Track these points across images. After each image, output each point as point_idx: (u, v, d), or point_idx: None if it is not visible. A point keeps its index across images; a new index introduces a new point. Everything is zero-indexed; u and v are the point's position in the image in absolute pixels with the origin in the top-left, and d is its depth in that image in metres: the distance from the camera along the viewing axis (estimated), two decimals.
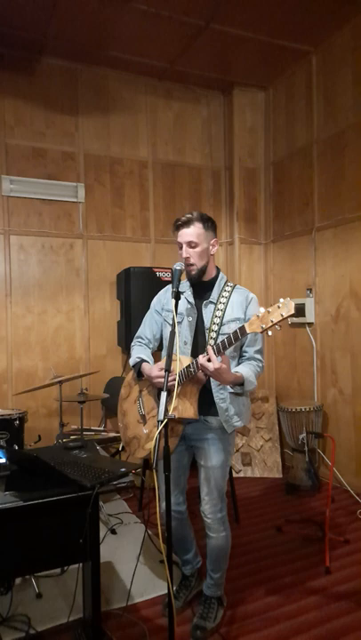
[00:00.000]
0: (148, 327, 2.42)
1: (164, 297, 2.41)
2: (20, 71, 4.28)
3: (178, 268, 2.11)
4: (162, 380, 2.08)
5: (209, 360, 1.93)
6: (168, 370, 1.90)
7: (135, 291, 4.11)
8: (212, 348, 1.95)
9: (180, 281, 2.11)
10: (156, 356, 2.41)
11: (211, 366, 1.92)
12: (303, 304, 4.32)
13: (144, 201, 4.77)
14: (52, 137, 4.40)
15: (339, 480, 3.98)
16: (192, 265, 2.19)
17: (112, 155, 4.63)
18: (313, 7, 3.65)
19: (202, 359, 1.95)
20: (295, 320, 4.44)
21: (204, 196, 5.03)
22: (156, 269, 4.27)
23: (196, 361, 2.03)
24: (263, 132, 4.97)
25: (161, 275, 4.21)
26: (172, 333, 1.99)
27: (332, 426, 4.14)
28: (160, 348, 2.44)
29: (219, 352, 1.96)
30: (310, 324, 4.34)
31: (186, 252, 2.16)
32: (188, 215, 2.18)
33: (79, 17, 3.74)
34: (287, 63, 4.47)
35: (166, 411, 1.78)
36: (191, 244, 2.16)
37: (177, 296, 2.05)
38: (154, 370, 2.17)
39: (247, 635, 2.24)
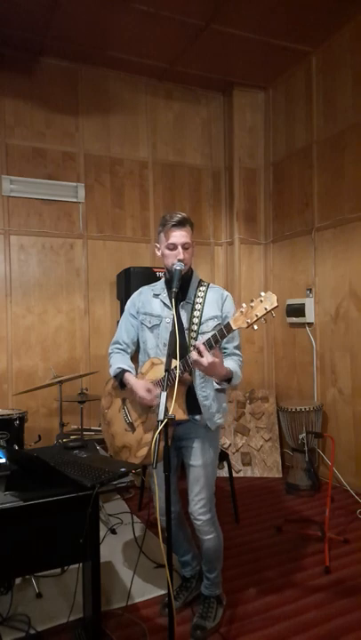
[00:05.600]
0: (125, 332, 2.39)
1: (138, 300, 2.39)
2: (20, 71, 4.28)
3: (178, 268, 2.11)
4: (148, 400, 2.10)
5: (201, 355, 1.92)
6: (168, 370, 1.90)
7: (135, 291, 4.10)
8: (204, 344, 1.94)
9: (180, 281, 2.10)
10: (134, 360, 2.41)
11: (204, 361, 1.92)
12: (303, 304, 4.32)
13: (144, 201, 4.77)
14: (52, 137, 4.40)
15: (338, 480, 3.98)
16: (185, 266, 2.19)
17: (112, 155, 4.64)
18: (313, 7, 3.66)
19: (194, 355, 1.95)
20: (295, 320, 4.44)
21: (204, 197, 5.04)
22: (156, 269, 4.26)
23: (183, 361, 2.03)
24: (263, 132, 4.97)
25: (161, 274, 4.19)
26: (173, 334, 1.98)
27: (331, 426, 4.15)
28: (137, 351, 2.43)
29: (210, 347, 1.96)
30: (310, 324, 4.35)
31: (182, 253, 2.16)
32: (179, 216, 2.16)
33: (79, 17, 3.74)
34: (287, 63, 4.48)
35: (166, 410, 1.78)
36: (185, 246, 2.17)
37: (177, 296, 2.04)
38: (140, 388, 2.14)
39: (247, 634, 2.24)
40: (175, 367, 2.05)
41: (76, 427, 4.03)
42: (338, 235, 4.06)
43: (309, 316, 4.31)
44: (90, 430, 4.10)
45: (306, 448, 3.96)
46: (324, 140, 4.21)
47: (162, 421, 1.75)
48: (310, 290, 4.36)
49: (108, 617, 2.32)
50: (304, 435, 3.95)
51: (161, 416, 1.77)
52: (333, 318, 4.11)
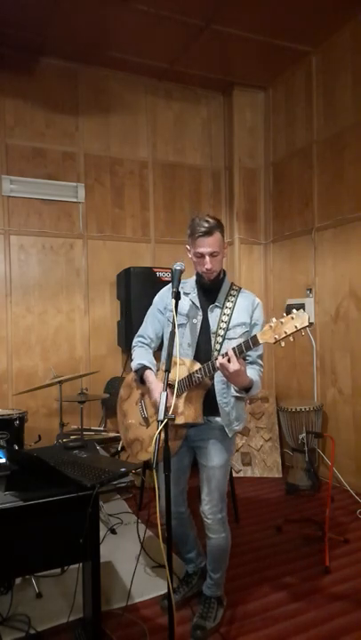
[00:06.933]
0: (151, 326, 2.40)
1: (166, 296, 2.38)
2: (20, 71, 4.28)
3: (178, 268, 2.10)
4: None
5: (229, 361, 1.93)
6: (168, 370, 1.90)
7: (135, 291, 4.11)
8: (234, 350, 1.95)
9: (180, 281, 2.10)
10: (157, 355, 2.42)
11: (231, 367, 1.92)
12: (303, 304, 4.32)
13: (144, 201, 4.77)
14: (52, 137, 4.40)
15: (338, 480, 3.98)
16: (213, 272, 2.20)
17: (112, 155, 4.64)
18: (313, 7, 3.65)
19: (222, 359, 1.95)
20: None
21: (204, 197, 5.04)
22: (156, 269, 4.27)
23: (207, 366, 2.05)
24: (263, 132, 4.97)
25: (161, 275, 4.22)
26: (172, 334, 1.99)
27: (331, 426, 4.15)
28: (161, 347, 2.44)
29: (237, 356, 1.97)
30: (310, 325, 4.34)
31: (210, 262, 2.15)
32: (206, 224, 2.12)
33: (79, 17, 3.74)
34: (287, 63, 4.48)
35: (166, 411, 1.79)
36: (213, 254, 2.15)
37: (177, 296, 2.04)
38: (157, 391, 2.14)
39: (247, 634, 2.24)
40: (196, 371, 2.06)
41: (75, 427, 4.03)
42: (338, 235, 4.06)
43: (309, 315, 4.30)
44: (90, 430, 4.10)
45: (306, 448, 3.96)
46: (324, 140, 4.21)
47: (162, 421, 1.76)
48: (310, 290, 4.36)
49: (108, 617, 2.32)
50: (304, 435, 3.95)
51: (161, 416, 1.77)
52: (333, 318, 4.11)
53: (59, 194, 4.40)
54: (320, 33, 4.02)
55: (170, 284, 2.39)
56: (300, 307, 4.32)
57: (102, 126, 4.59)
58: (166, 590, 2.34)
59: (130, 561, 2.83)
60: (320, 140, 4.25)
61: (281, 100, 4.76)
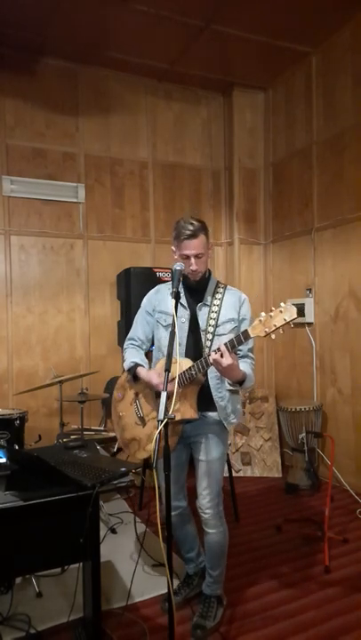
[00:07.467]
0: (141, 328, 2.43)
1: (154, 298, 2.42)
2: (20, 71, 4.28)
3: (178, 268, 2.13)
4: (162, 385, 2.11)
5: (222, 356, 1.96)
6: (168, 370, 1.91)
7: (135, 291, 4.11)
8: (226, 346, 1.98)
9: (180, 281, 2.13)
10: (148, 357, 2.43)
11: (224, 362, 1.96)
12: (303, 304, 4.33)
13: (144, 201, 4.77)
14: (52, 137, 4.41)
15: (338, 479, 3.99)
16: (198, 273, 2.24)
17: (112, 155, 4.64)
18: (313, 8, 3.66)
19: (215, 355, 1.98)
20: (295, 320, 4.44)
21: (204, 197, 5.04)
22: (156, 269, 4.28)
23: (200, 362, 2.07)
24: (263, 132, 4.98)
25: (161, 275, 4.23)
26: (172, 333, 2.00)
27: (331, 425, 4.15)
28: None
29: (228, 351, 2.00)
30: (310, 324, 4.35)
31: (195, 263, 2.19)
32: (191, 227, 2.16)
33: (79, 17, 3.75)
34: (287, 64, 4.48)
35: (166, 410, 1.80)
36: (198, 256, 2.19)
37: (177, 296, 2.07)
38: (153, 376, 2.19)
39: (247, 633, 2.25)
40: (190, 367, 2.09)
41: (76, 426, 4.04)
42: (337, 235, 4.07)
43: (309, 316, 4.31)
44: (90, 430, 4.11)
45: (306, 448, 3.97)
46: (323, 141, 4.22)
47: (162, 421, 1.77)
48: (310, 290, 4.36)
49: (109, 616, 2.33)
50: (304, 434, 3.96)
51: (161, 416, 1.78)
52: (333, 318, 4.12)
53: (59, 194, 4.40)
54: (320, 33, 4.03)
55: (157, 287, 2.46)
56: (301, 306, 4.33)
57: (102, 127, 4.60)
58: (166, 590, 2.35)
59: (130, 560, 2.84)
60: (320, 140, 4.25)
61: (281, 100, 4.76)
